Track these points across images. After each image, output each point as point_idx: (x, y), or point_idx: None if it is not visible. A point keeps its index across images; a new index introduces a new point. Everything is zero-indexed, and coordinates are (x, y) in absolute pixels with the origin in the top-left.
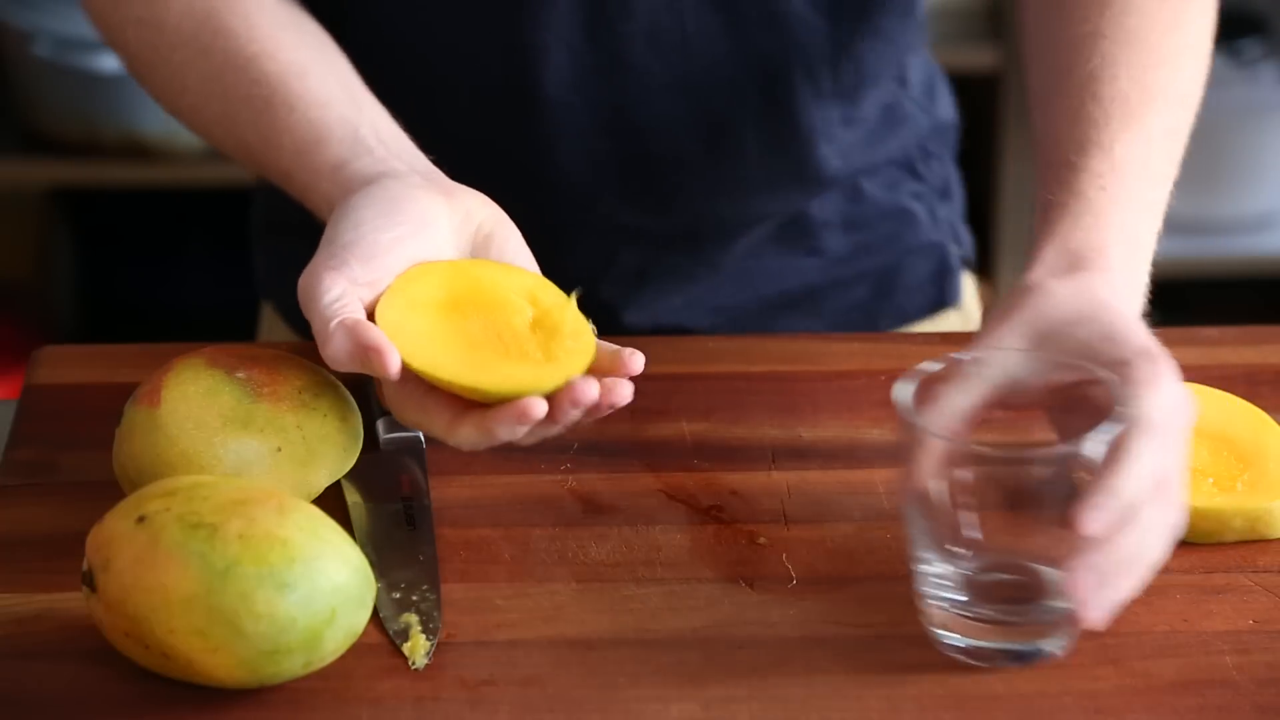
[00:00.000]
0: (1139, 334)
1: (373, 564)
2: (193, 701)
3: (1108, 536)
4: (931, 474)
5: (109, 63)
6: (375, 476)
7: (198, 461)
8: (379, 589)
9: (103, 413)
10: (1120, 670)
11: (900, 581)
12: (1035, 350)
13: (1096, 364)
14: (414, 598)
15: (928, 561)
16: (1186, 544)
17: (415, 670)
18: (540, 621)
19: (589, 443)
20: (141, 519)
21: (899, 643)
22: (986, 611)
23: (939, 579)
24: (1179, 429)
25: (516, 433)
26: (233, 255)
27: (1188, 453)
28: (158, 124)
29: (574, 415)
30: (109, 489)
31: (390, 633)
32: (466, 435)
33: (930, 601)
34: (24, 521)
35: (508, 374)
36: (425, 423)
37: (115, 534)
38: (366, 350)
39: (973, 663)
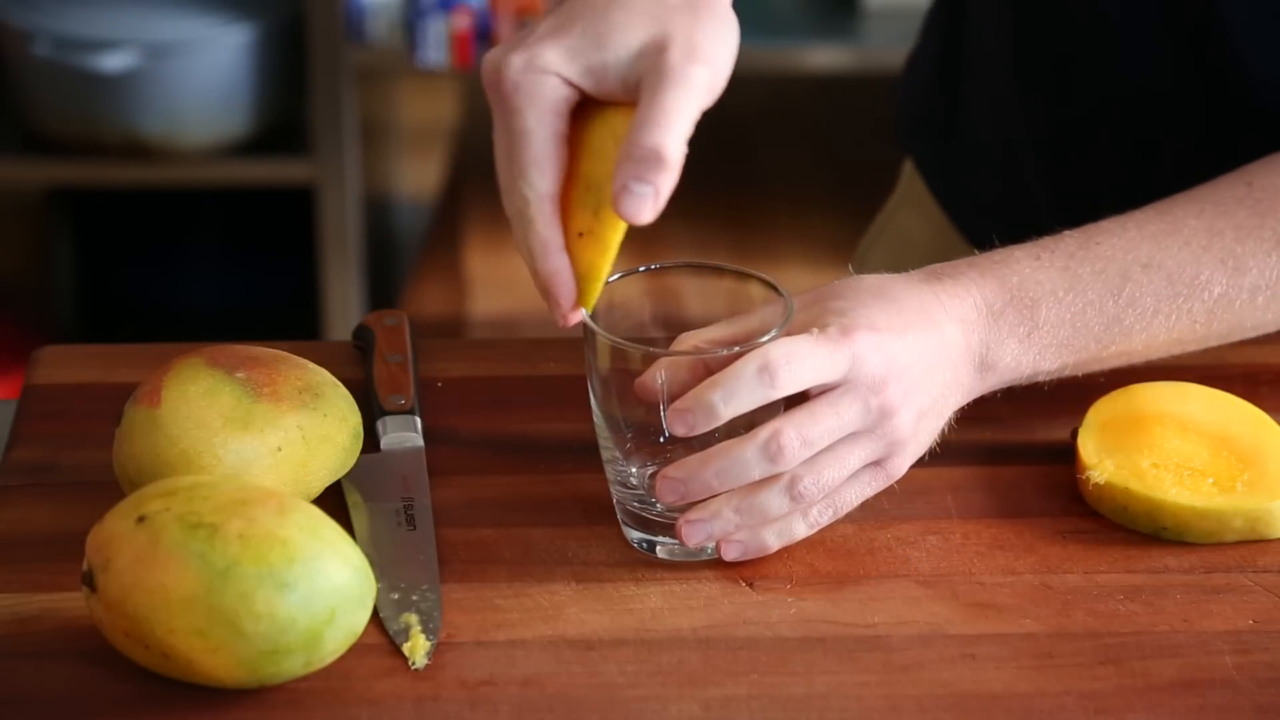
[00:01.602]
0: (860, 314)
1: (373, 564)
2: (193, 701)
3: (689, 430)
4: (606, 375)
5: (109, 63)
6: (375, 476)
7: (198, 461)
8: (379, 589)
9: (103, 413)
10: (1120, 670)
11: (900, 581)
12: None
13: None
14: (414, 598)
15: (612, 459)
16: (1186, 544)
17: (415, 670)
18: (540, 621)
19: (589, 443)
20: (141, 519)
21: (899, 643)
22: (653, 510)
23: (620, 475)
24: (821, 405)
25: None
26: (233, 255)
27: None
28: (158, 124)
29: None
30: (109, 489)
31: (390, 633)
32: (514, 203)
33: (615, 497)
34: (24, 521)
35: (594, 247)
36: (515, 153)
37: (115, 534)
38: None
39: (642, 551)
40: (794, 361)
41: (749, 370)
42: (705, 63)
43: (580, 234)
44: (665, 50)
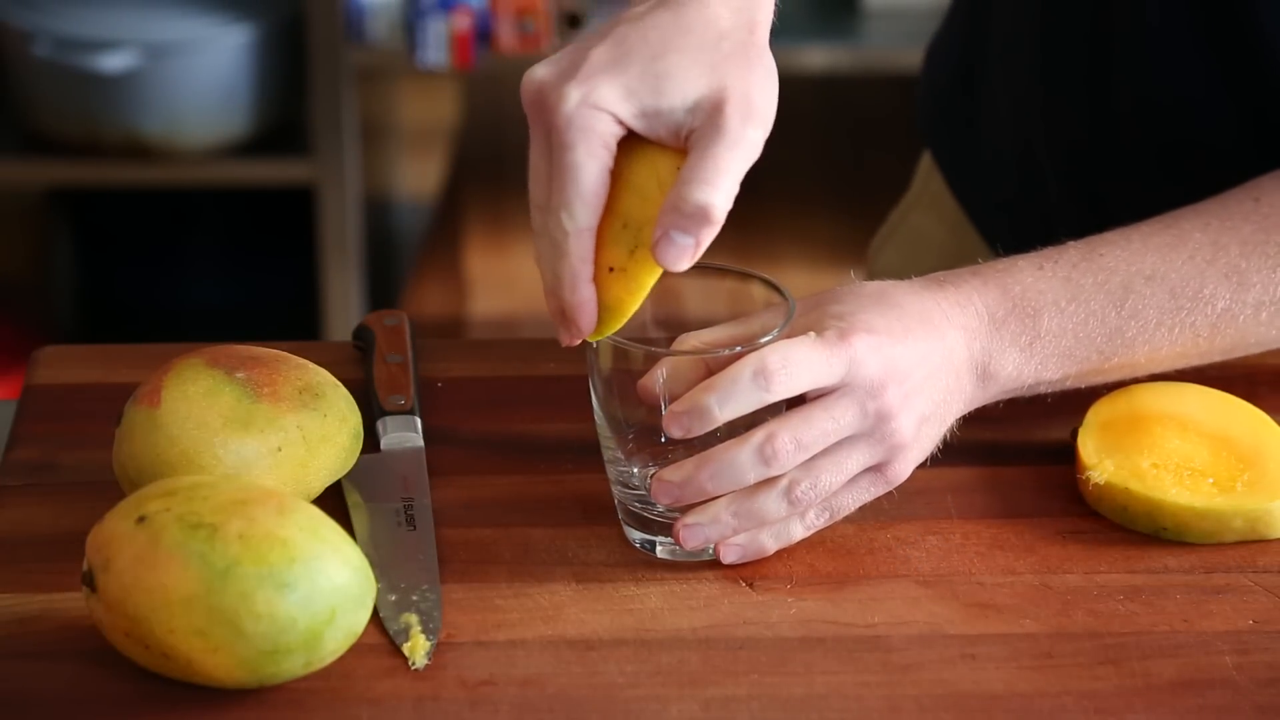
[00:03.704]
0: (859, 317)
1: (373, 564)
2: (193, 701)
3: (685, 432)
4: (607, 377)
5: (109, 63)
6: (375, 476)
7: (198, 461)
8: (379, 589)
9: (103, 413)
10: (1120, 670)
11: (900, 581)
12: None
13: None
14: (414, 598)
15: (613, 459)
16: (1186, 544)
17: (415, 670)
18: (540, 621)
19: (589, 443)
20: (141, 519)
21: (899, 643)
22: (654, 510)
23: (622, 475)
24: (817, 408)
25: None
26: (233, 255)
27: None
28: (158, 124)
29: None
30: (109, 489)
31: (390, 633)
32: (548, 228)
33: (616, 497)
34: (24, 521)
35: (626, 274)
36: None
37: (115, 534)
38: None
39: (643, 550)
40: (790, 365)
41: (744, 374)
42: (760, 125)
43: (611, 269)
44: (722, 108)
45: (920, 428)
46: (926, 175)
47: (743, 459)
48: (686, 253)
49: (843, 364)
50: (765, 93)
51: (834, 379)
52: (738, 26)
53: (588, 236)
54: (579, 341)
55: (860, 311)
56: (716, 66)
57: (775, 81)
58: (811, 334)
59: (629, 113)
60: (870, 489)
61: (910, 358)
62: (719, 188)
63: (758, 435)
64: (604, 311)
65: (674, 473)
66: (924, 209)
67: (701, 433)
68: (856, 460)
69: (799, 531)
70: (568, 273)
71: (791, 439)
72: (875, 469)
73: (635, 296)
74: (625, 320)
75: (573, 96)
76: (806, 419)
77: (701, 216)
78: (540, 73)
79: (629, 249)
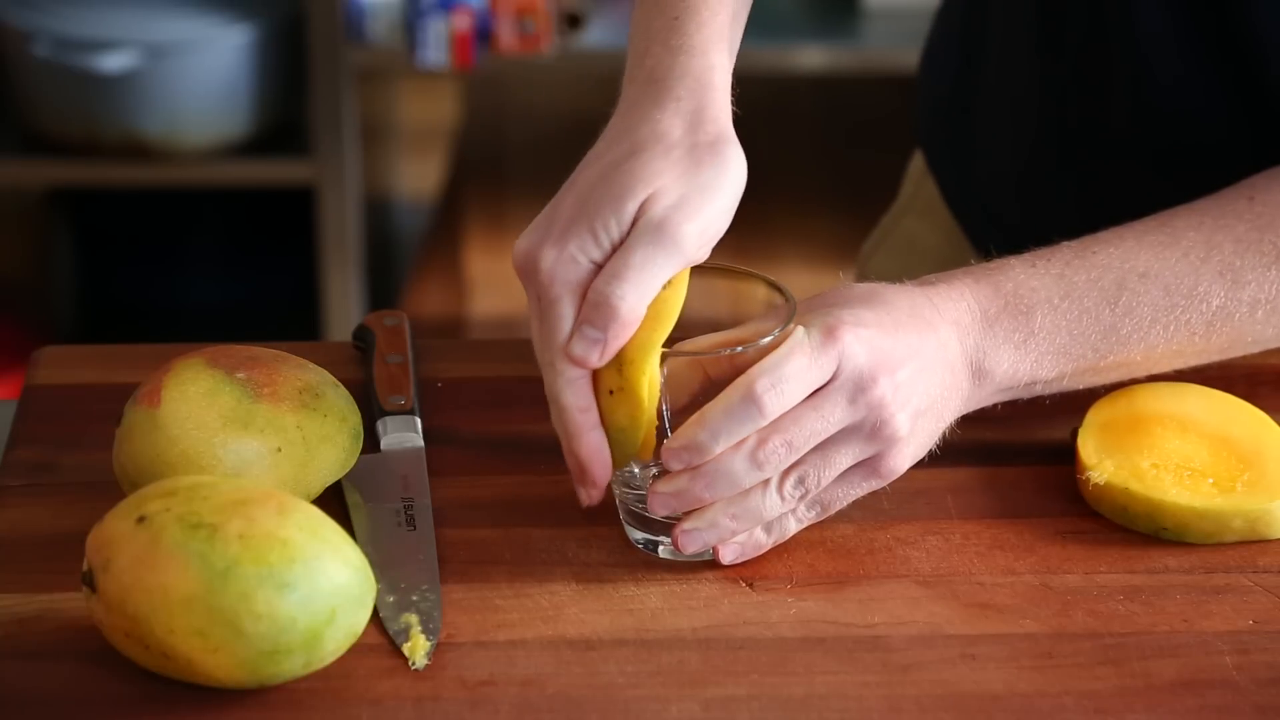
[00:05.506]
0: (845, 313)
1: (373, 564)
2: (193, 701)
3: (685, 466)
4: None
5: (109, 63)
6: (375, 476)
7: (198, 461)
8: (379, 589)
9: (103, 413)
10: (1120, 670)
11: (900, 581)
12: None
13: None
14: (414, 598)
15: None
16: (1186, 544)
17: (415, 670)
18: (540, 621)
19: None
20: (141, 519)
21: (899, 643)
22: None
23: (623, 475)
24: (806, 408)
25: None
26: (233, 255)
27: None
28: (158, 124)
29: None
30: (109, 489)
31: (390, 633)
32: (550, 383)
33: (618, 497)
34: (24, 521)
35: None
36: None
37: (115, 534)
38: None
39: (644, 550)
40: (779, 384)
41: (734, 403)
42: (689, 218)
43: (610, 391)
44: (647, 207)
45: (916, 422)
46: (919, 181)
47: (736, 467)
48: (595, 348)
49: (832, 361)
50: (706, 186)
51: (825, 379)
52: (687, 131)
53: (582, 384)
54: (599, 497)
55: (848, 309)
56: (662, 172)
57: (729, 171)
58: (799, 333)
59: (599, 253)
60: (864, 483)
61: (901, 350)
62: (625, 280)
63: (749, 441)
64: (618, 434)
65: (668, 484)
66: (917, 215)
67: (700, 463)
68: (848, 454)
69: (793, 526)
70: (571, 424)
71: (782, 442)
72: (869, 463)
73: (641, 409)
74: (641, 438)
75: (549, 255)
76: (796, 420)
77: (605, 308)
78: (524, 241)
79: (617, 367)
